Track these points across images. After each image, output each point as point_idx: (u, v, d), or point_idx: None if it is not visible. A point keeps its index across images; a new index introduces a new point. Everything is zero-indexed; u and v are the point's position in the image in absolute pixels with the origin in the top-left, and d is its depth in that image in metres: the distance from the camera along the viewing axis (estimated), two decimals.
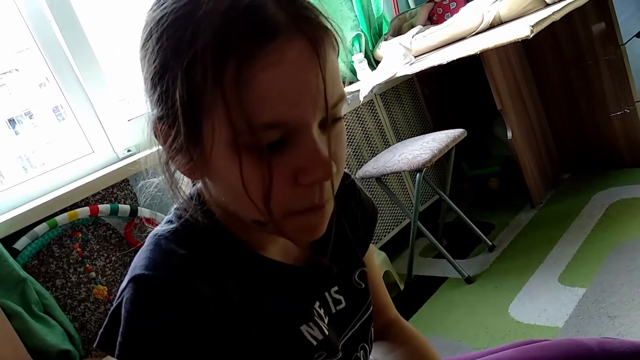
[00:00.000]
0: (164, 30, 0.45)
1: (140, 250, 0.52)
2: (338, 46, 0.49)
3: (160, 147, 0.50)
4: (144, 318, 0.46)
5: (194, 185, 0.58)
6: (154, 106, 0.48)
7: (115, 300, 0.49)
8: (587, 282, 1.66)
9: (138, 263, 0.49)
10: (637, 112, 2.17)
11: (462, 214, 2.15)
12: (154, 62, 0.46)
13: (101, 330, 0.49)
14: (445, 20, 2.16)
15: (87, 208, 1.48)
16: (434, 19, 2.43)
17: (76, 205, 1.50)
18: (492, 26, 1.95)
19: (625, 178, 2.23)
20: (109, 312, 0.49)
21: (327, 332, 0.60)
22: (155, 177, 0.55)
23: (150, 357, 0.45)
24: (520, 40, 1.56)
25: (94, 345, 0.49)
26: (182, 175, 0.54)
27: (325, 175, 0.45)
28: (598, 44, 2.16)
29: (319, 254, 0.62)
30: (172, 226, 0.52)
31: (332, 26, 0.48)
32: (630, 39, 2.14)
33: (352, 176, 0.72)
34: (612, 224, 1.94)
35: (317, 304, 0.61)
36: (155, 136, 0.50)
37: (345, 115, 2.23)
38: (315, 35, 0.44)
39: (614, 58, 2.14)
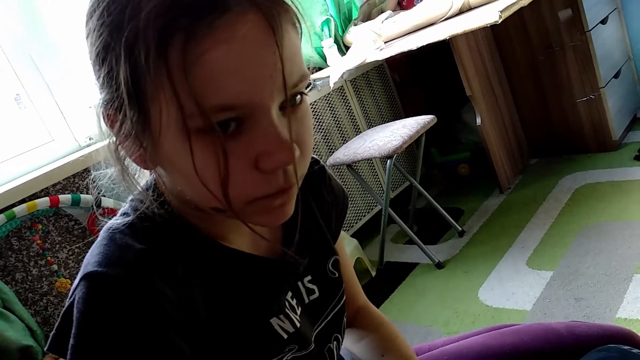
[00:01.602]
0: (106, 6, 0.41)
1: (93, 245, 0.48)
2: (300, 25, 0.46)
3: (110, 133, 0.47)
4: (97, 318, 0.43)
5: (151, 175, 0.54)
6: (100, 89, 0.45)
7: (67, 300, 0.46)
8: (554, 266, 1.69)
9: (91, 259, 0.46)
10: (602, 98, 2.21)
11: (432, 200, 2.16)
12: (97, 41, 0.42)
13: (52, 332, 0.45)
14: (415, 5, 2.15)
15: (47, 198, 1.42)
16: (403, 5, 2.41)
17: (35, 196, 1.44)
18: (461, 12, 1.94)
19: (590, 163, 2.28)
20: (61, 313, 0.45)
21: (298, 325, 0.58)
22: (108, 168, 0.52)
23: None
24: (489, 25, 1.56)
25: (45, 349, 0.45)
26: (137, 165, 0.51)
27: (287, 159, 0.42)
28: (564, 30, 2.18)
29: (288, 243, 0.60)
30: (127, 219, 0.49)
31: (292, 3, 0.45)
32: (595, 26, 2.17)
33: (322, 162, 0.70)
34: (577, 208, 1.98)
35: (290, 294, 0.59)
36: (104, 121, 0.46)
37: (315, 101, 2.20)
38: (271, 9, 0.41)
39: (580, 44, 2.16)
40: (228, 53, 0.39)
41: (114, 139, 0.46)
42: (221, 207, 0.44)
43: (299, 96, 0.46)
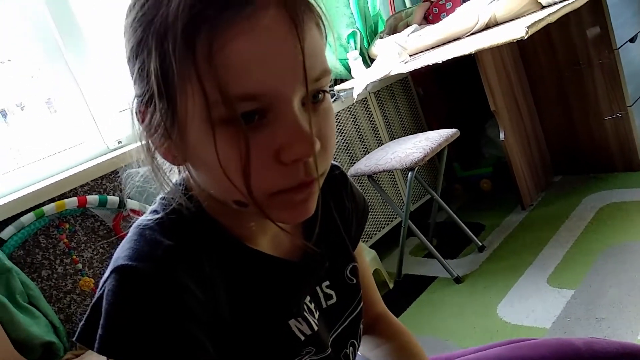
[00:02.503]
0: (141, 3, 0.44)
1: (123, 240, 0.50)
2: (324, 28, 0.48)
3: (141, 126, 0.49)
4: (126, 310, 0.44)
5: (180, 175, 0.56)
6: (134, 84, 0.47)
7: (97, 292, 0.47)
8: (576, 284, 1.67)
9: (121, 254, 0.48)
10: (629, 116, 2.18)
11: (453, 214, 2.15)
12: (132, 36, 0.45)
13: (81, 323, 0.47)
14: (441, 20, 2.16)
15: (75, 199, 1.47)
16: (429, 19, 2.43)
17: (64, 196, 1.49)
18: (487, 27, 1.95)
19: (616, 182, 2.25)
20: (90, 304, 0.47)
21: (316, 328, 0.59)
22: (141, 167, 0.54)
23: (131, 351, 0.44)
24: (515, 41, 1.56)
25: (74, 339, 0.46)
26: (169, 166, 0.53)
27: (307, 151, 0.43)
28: (592, 47, 2.16)
29: (310, 245, 0.61)
30: (156, 216, 0.51)
31: (317, 4, 0.46)
32: (624, 44, 2.15)
33: (343, 169, 0.71)
34: (602, 227, 1.95)
35: (308, 298, 0.60)
36: (136, 117, 0.48)
37: (338, 112, 2.22)
38: (294, 5, 0.43)
39: (608, 62, 2.14)
40: (250, 43, 0.41)
41: (145, 133, 0.48)
42: (244, 200, 0.45)
43: (321, 94, 0.47)
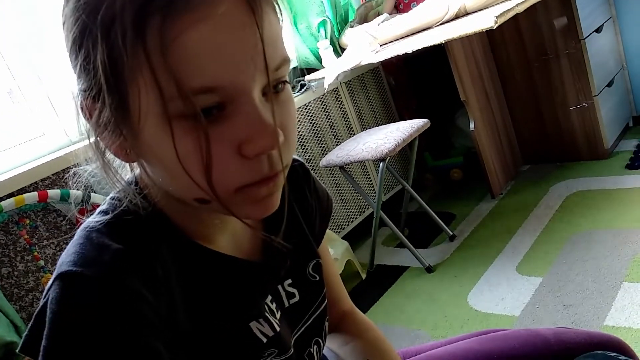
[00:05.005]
0: None
1: (69, 244, 0.47)
2: (280, 10, 0.45)
3: (88, 124, 0.45)
4: (71, 319, 0.41)
5: (132, 172, 0.53)
6: (78, 78, 0.44)
7: (41, 300, 0.44)
8: (544, 272, 1.70)
9: (66, 259, 0.44)
10: (595, 106, 2.22)
11: (424, 203, 2.16)
12: (73, 26, 0.41)
13: (25, 333, 0.44)
14: (412, 9, 2.15)
15: (35, 193, 1.41)
16: (400, 8, 2.42)
17: (24, 190, 1.43)
18: (457, 17, 1.95)
19: (582, 170, 2.29)
20: (34, 313, 0.44)
21: (278, 329, 0.57)
22: (89, 164, 0.50)
23: None
24: (484, 30, 1.56)
25: (17, 350, 0.43)
26: (120, 162, 0.49)
27: (271, 144, 0.41)
28: (559, 38, 2.19)
29: (270, 244, 0.59)
30: (105, 217, 0.47)
31: None
32: (590, 34, 2.18)
33: (301, 160, 0.69)
34: (568, 215, 1.99)
35: (270, 298, 0.58)
36: (82, 112, 0.45)
37: (309, 102, 2.20)
38: None
39: (574, 52, 2.18)
40: (206, 32, 0.38)
41: (93, 130, 0.45)
42: (206, 197, 0.43)
43: (281, 84, 0.45)
